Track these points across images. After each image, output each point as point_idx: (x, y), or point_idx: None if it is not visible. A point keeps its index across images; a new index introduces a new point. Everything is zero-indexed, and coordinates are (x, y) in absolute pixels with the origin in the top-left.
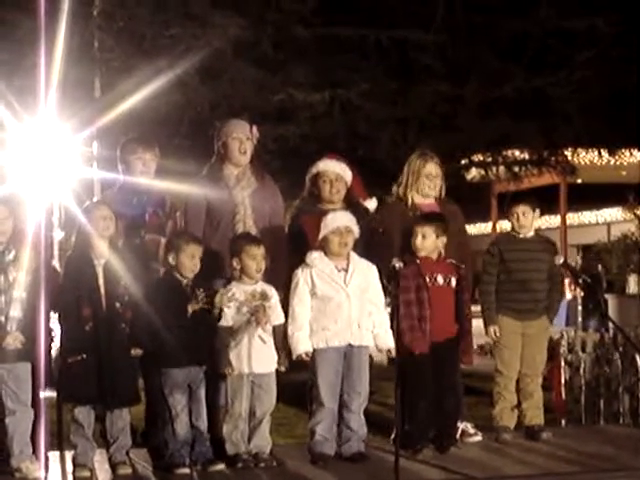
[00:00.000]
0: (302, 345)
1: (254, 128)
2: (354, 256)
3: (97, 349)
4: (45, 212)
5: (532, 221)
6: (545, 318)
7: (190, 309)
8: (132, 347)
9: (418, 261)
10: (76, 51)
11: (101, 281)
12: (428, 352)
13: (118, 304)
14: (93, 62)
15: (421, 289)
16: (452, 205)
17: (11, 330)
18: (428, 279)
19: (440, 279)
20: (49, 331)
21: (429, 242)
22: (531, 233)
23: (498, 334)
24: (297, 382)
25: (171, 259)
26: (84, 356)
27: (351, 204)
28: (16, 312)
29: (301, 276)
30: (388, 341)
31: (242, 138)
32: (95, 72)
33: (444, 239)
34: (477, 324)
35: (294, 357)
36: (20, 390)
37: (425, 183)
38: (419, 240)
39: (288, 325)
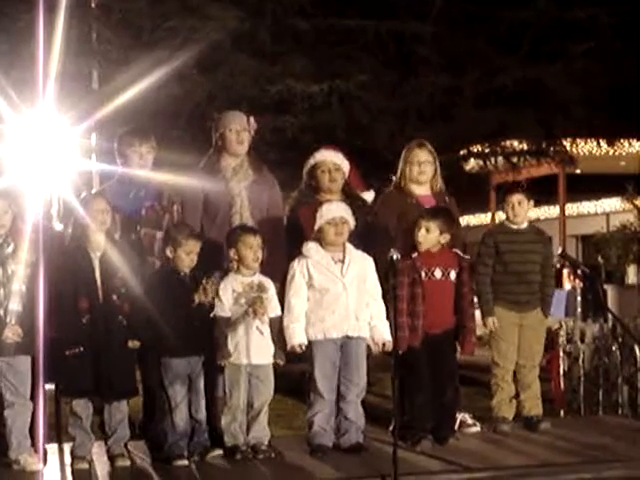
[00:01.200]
0: (297, 337)
1: (251, 119)
2: (350, 247)
3: (94, 341)
4: (44, 204)
5: (527, 211)
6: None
7: (197, 299)
8: (130, 339)
9: (415, 255)
10: (74, 43)
11: (98, 273)
12: (424, 345)
13: (115, 296)
14: (91, 54)
15: (415, 284)
16: (447, 197)
17: (10, 323)
18: (424, 274)
19: (438, 273)
20: (49, 324)
21: (432, 237)
22: (525, 224)
23: (497, 325)
24: (295, 373)
25: (169, 252)
26: (81, 348)
27: (349, 196)
28: (15, 305)
29: (297, 267)
30: (384, 334)
31: (239, 129)
32: (93, 64)
33: (447, 236)
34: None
35: (288, 348)
36: (19, 383)
37: (414, 169)
38: (422, 234)
39: (284, 316)
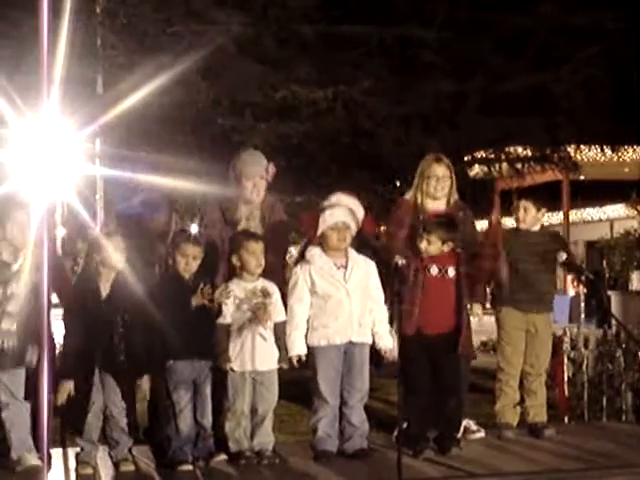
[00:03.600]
0: (296, 348)
1: (270, 165)
2: (352, 253)
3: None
4: (48, 210)
5: (534, 217)
6: (550, 315)
7: (194, 302)
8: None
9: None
10: (79, 48)
11: (104, 305)
12: (422, 350)
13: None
14: (96, 59)
15: (417, 274)
16: (462, 210)
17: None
18: (420, 269)
19: (434, 269)
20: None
21: (434, 248)
22: (537, 227)
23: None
24: (300, 379)
25: (169, 256)
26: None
27: (361, 241)
28: (7, 325)
29: (300, 274)
30: (387, 341)
31: (257, 180)
32: (98, 69)
33: (451, 244)
34: (483, 321)
35: (289, 356)
36: (14, 386)
37: (431, 184)
38: (424, 245)
39: (286, 324)
